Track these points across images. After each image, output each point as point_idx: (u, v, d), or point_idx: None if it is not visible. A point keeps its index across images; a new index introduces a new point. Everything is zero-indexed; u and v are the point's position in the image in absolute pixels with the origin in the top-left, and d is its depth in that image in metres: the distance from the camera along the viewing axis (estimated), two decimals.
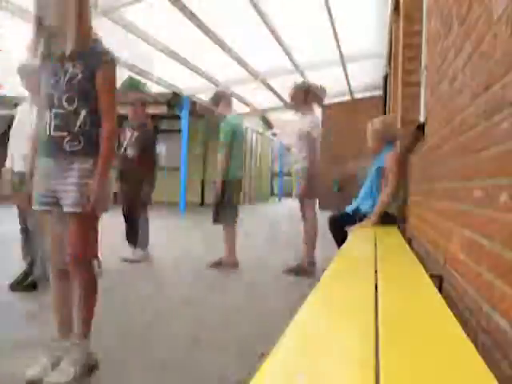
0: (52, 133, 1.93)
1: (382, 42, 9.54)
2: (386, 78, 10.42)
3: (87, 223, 1.97)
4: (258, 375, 0.72)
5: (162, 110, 12.55)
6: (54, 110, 1.93)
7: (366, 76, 12.54)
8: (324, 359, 0.80)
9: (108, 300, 3.27)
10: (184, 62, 10.09)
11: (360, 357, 0.81)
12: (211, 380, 2.00)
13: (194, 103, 12.62)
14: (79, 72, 1.92)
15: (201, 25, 8.30)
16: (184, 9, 7.66)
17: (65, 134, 1.92)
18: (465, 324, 1.31)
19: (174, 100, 12.20)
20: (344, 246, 2.45)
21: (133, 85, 13.13)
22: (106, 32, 8.70)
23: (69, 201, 1.92)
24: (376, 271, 1.61)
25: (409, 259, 2.00)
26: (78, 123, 1.92)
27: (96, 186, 1.90)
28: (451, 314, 1.09)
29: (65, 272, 2.00)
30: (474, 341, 1.22)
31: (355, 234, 3.17)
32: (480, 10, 1.37)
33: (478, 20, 1.39)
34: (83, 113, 1.93)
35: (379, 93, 12.39)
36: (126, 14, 7.81)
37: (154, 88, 12.87)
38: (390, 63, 8.90)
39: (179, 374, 2.05)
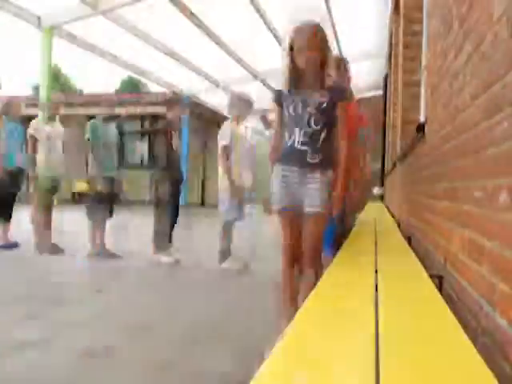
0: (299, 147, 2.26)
1: (382, 42, 9.54)
2: (386, 78, 10.43)
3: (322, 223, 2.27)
4: (258, 375, 0.72)
5: (162, 110, 12.56)
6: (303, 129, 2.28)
7: (366, 76, 12.53)
8: (324, 359, 0.80)
9: (109, 298, 3.27)
10: (184, 62, 10.09)
11: (360, 356, 0.81)
12: (211, 380, 2.00)
13: (194, 103, 12.62)
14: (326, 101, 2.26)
15: (201, 25, 8.30)
16: (184, 9, 7.66)
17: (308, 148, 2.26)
18: (465, 324, 1.31)
19: (174, 100, 12.20)
20: (344, 245, 2.45)
21: (133, 84, 13.15)
22: (105, 32, 8.67)
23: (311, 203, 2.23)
24: (376, 271, 1.61)
25: (409, 259, 2.00)
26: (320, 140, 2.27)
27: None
28: (451, 314, 1.09)
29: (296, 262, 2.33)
30: (474, 341, 1.22)
31: (355, 233, 3.16)
32: (480, 10, 1.37)
33: (478, 20, 1.39)
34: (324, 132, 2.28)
35: (379, 93, 12.39)
36: (126, 14, 7.81)
37: (154, 88, 12.89)
38: (390, 63, 8.90)
39: (179, 374, 2.05)
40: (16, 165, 5.32)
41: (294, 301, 2.30)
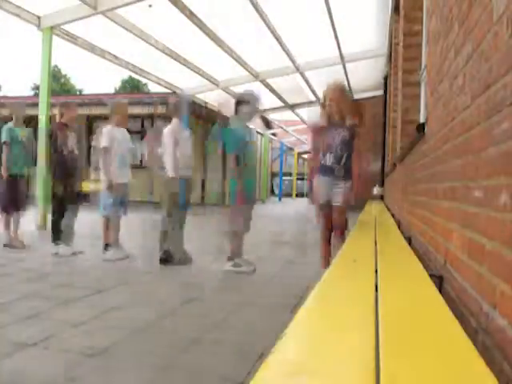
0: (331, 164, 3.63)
1: (382, 42, 9.54)
2: (386, 78, 10.43)
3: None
4: (258, 375, 0.72)
5: (162, 110, 12.55)
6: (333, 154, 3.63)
7: (366, 76, 12.54)
8: (324, 359, 0.80)
9: (107, 298, 3.27)
10: (184, 62, 10.09)
11: (360, 357, 0.81)
12: (211, 380, 2.00)
13: (194, 103, 12.62)
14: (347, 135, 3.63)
15: (201, 25, 8.30)
16: (184, 9, 7.66)
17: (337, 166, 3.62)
18: (465, 324, 1.31)
19: (174, 100, 12.19)
20: (344, 245, 2.45)
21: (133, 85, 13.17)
22: (105, 32, 8.63)
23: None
24: (376, 271, 1.61)
25: (409, 259, 2.00)
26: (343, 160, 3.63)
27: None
28: (451, 314, 1.09)
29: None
30: (474, 341, 1.22)
31: (355, 233, 3.16)
32: (480, 10, 1.37)
33: (478, 20, 1.39)
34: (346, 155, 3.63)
35: (379, 93, 12.40)
36: (126, 14, 7.81)
37: (153, 88, 12.92)
38: (390, 63, 8.90)
39: (179, 373, 2.05)
40: None
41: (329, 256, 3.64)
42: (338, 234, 3.62)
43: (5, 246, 5.43)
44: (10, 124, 5.51)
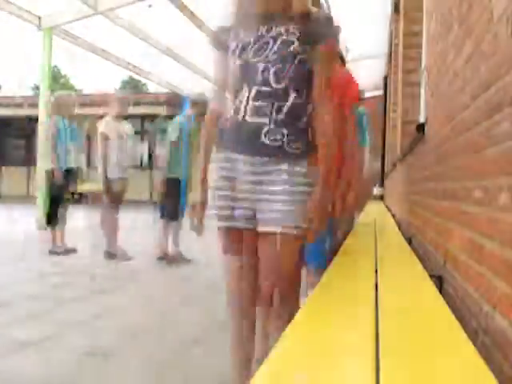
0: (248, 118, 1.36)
1: (382, 42, 9.54)
2: (386, 78, 10.43)
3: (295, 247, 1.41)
4: (258, 376, 0.72)
5: (162, 110, 12.56)
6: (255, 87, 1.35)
7: (366, 76, 12.53)
8: (324, 359, 0.80)
9: (109, 299, 3.27)
10: (184, 62, 10.09)
11: (360, 357, 0.81)
12: (211, 380, 2.00)
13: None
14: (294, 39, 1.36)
15: (201, 25, 8.30)
16: (184, 9, 7.67)
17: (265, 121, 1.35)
18: (465, 324, 1.31)
19: (174, 100, 12.20)
20: (344, 245, 2.44)
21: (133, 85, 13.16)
22: (105, 32, 8.64)
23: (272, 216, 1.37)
24: (376, 271, 1.61)
25: (409, 259, 2.00)
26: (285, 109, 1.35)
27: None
28: (451, 314, 1.09)
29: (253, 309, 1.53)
30: (474, 341, 1.22)
31: (355, 233, 3.16)
32: (480, 10, 1.37)
33: (478, 20, 1.39)
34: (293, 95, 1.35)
35: (379, 93, 12.39)
36: (126, 14, 7.81)
37: (154, 88, 12.92)
38: (390, 63, 8.90)
39: (179, 373, 2.05)
40: (69, 165, 5.06)
41: (248, 363, 1.56)
42: (274, 316, 1.45)
43: (158, 258, 4.71)
44: (179, 119, 4.87)
